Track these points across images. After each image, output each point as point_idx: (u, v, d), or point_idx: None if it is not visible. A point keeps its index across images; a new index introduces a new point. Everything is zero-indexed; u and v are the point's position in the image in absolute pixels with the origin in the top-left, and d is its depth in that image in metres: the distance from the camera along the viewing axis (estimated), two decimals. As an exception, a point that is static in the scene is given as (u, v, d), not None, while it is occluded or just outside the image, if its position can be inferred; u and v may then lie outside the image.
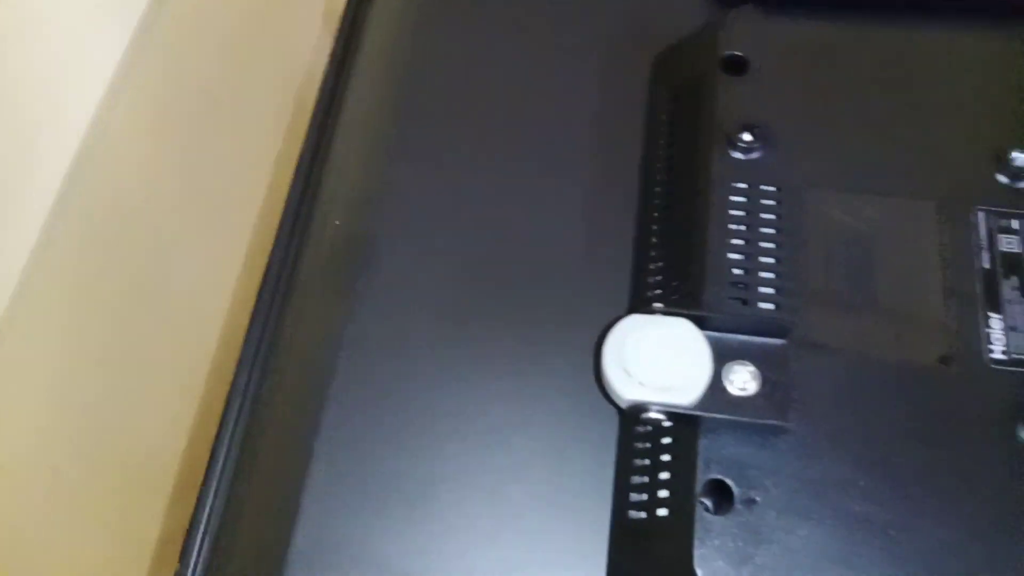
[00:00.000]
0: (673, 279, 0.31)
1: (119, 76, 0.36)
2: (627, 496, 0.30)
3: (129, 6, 0.38)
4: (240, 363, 0.37)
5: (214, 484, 0.35)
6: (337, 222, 0.38)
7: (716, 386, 0.28)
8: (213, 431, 0.36)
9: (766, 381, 0.29)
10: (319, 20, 0.56)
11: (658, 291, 0.31)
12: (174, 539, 0.37)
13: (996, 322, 0.30)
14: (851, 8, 0.38)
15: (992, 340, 0.30)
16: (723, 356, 0.29)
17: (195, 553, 0.34)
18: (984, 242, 0.32)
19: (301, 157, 0.41)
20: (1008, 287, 0.31)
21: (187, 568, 0.33)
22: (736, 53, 0.35)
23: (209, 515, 0.34)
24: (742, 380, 0.29)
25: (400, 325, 0.35)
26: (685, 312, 0.29)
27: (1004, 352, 0.30)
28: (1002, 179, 0.33)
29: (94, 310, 0.38)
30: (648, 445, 0.30)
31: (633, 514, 0.30)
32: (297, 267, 0.38)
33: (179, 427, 0.46)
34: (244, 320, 0.38)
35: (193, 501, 0.35)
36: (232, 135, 0.50)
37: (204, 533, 0.34)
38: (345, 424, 0.34)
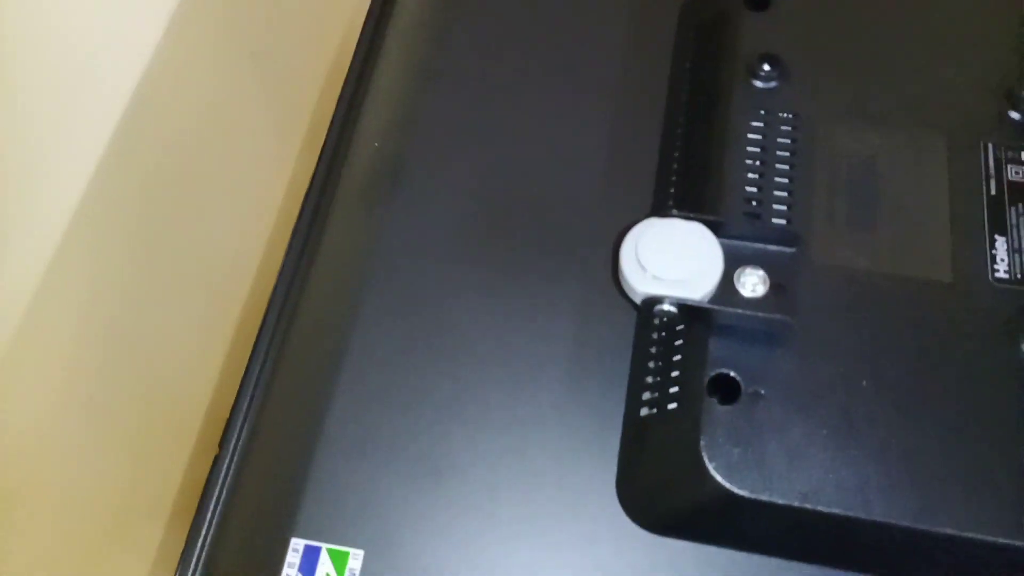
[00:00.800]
0: (692, 188, 0.33)
1: (167, 36, 0.38)
2: (640, 394, 0.32)
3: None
4: (281, 273, 0.39)
5: (239, 422, 0.37)
6: (376, 144, 0.40)
7: (727, 287, 0.30)
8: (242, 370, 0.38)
9: (775, 285, 0.30)
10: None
11: (677, 198, 0.33)
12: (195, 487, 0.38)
13: (1001, 244, 0.32)
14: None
15: (997, 260, 0.31)
16: (736, 261, 0.31)
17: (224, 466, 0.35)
18: (992, 171, 0.33)
19: (345, 85, 0.43)
20: (1015, 212, 0.32)
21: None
22: (761, -6, 0.36)
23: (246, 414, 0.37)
24: (752, 283, 0.30)
25: (431, 237, 0.37)
26: (701, 217, 0.31)
27: (1007, 272, 0.31)
28: (1013, 115, 0.34)
29: (132, 253, 0.40)
30: (661, 341, 0.32)
31: (644, 411, 0.32)
32: (337, 185, 0.40)
33: (209, 363, 0.48)
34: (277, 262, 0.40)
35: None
36: (272, 88, 0.52)
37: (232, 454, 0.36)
38: (371, 338, 0.36)
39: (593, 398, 0.34)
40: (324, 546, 0.32)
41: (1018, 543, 0.27)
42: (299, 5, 0.54)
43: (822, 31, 0.36)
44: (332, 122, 0.43)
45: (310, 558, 0.31)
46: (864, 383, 0.29)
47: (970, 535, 0.27)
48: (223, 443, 0.36)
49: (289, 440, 0.35)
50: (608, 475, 0.33)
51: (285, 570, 0.31)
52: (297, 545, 0.32)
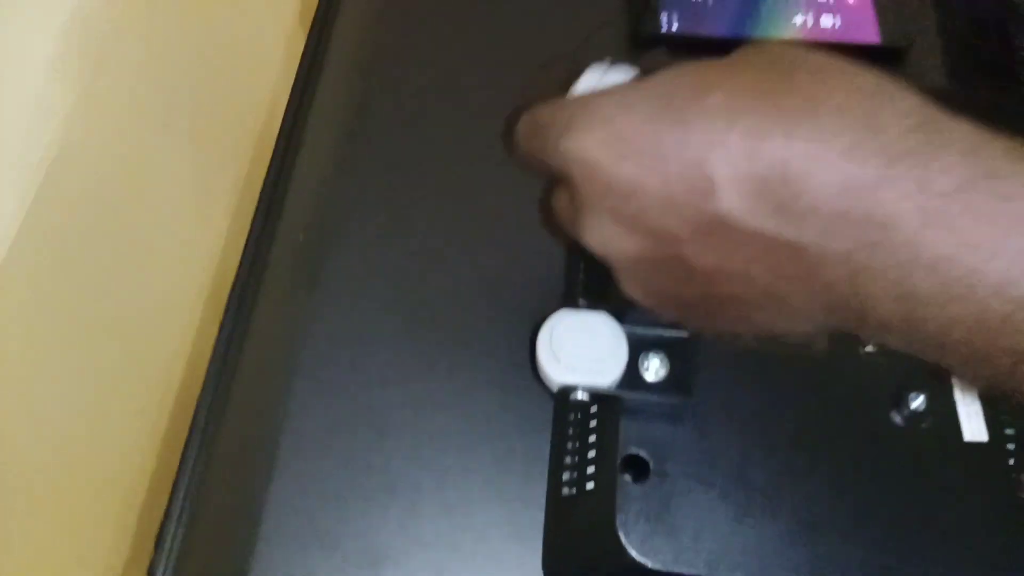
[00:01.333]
0: (596, 279, 0.36)
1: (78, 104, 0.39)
2: (560, 476, 0.35)
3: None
4: (211, 361, 0.40)
5: (186, 478, 0.38)
6: (300, 236, 0.42)
7: (632, 371, 0.33)
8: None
9: (674, 368, 0.33)
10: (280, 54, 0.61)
11: (584, 289, 0.36)
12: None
13: (870, 319, 0.36)
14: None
15: (866, 334, 0.35)
16: (639, 346, 0.34)
17: (168, 540, 0.37)
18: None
19: (266, 179, 0.45)
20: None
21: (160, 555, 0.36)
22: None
23: (181, 509, 0.38)
24: (654, 367, 0.33)
25: (355, 326, 0.39)
26: (606, 306, 0.34)
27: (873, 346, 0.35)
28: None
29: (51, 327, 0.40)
30: (577, 425, 0.34)
31: (565, 491, 0.34)
32: (263, 276, 0.42)
33: (151, 434, 0.48)
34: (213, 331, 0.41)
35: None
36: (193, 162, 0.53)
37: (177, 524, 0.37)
38: (307, 418, 0.38)
39: (517, 480, 0.36)
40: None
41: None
42: (215, 78, 0.56)
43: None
44: (256, 211, 0.44)
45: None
46: (757, 454, 0.33)
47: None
48: (157, 543, 0.37)
49: (225, 534, 0.36)
50: (534, 553, 0.35)
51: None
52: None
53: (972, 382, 0.23)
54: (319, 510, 0.36)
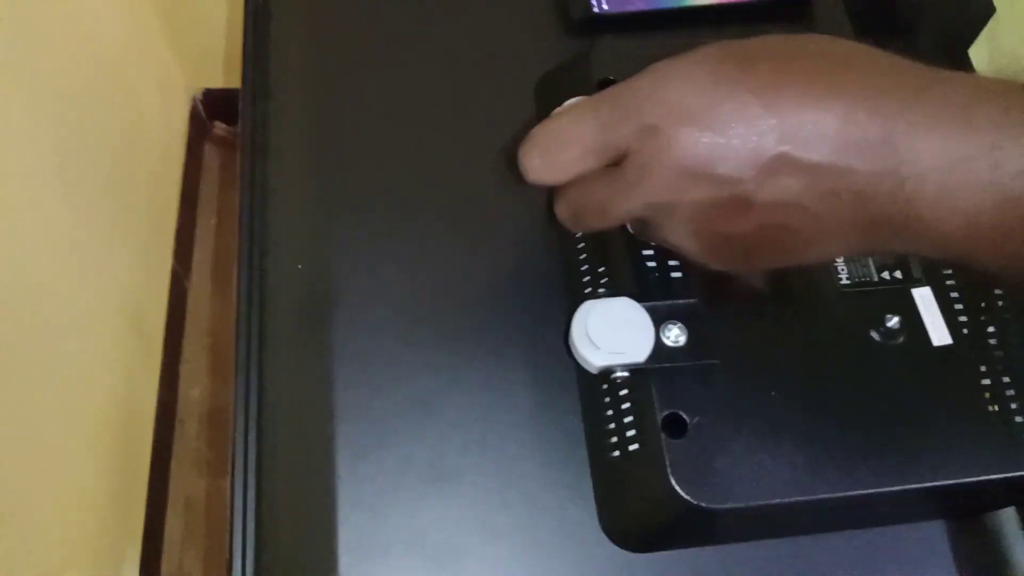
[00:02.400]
0: (604, 271, 0.39)
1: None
2: (602, 442, 0.39)
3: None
4: (235, 417, 0.41)
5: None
6: (300, 266, 0.43)
7: (658, 343, 0.37)
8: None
9: (691, 332, 0.38)
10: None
11: (593, 283, 0.40)
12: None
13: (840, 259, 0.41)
14: (683, 24, 0.48)
15: (839, 271, 0.40)
16: (657, 320, 0.38)
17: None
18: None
19: (241, 208, 0.45)
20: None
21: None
22: (609, 77, 0.43)
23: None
24: (674, 335, 0.37)
25: (379, 347, 0.41)
26: (622, 292, 0.37)
27: (848, 279, 0.40)
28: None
29: None
30: (612, 399, 0.38)
31: (610, 454, 0.38)
32: (265, 312, 0.43)
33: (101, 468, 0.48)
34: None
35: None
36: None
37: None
38: (353, 434, 0.40)
39: (557, 452, 0.40)
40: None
41: (900, 487, 0.36)
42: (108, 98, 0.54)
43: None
44: (239, 256, 0.44)
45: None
46: (772, 393, 0.37)
47: (873, 491, 0.36)
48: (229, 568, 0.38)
49: (298, 559, 0.38)
50: (588, 513, 0.39)
51: None
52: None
53: (990, 268, 0.28)
54: (387, 516, 0.38)
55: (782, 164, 0.27)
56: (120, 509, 0.53)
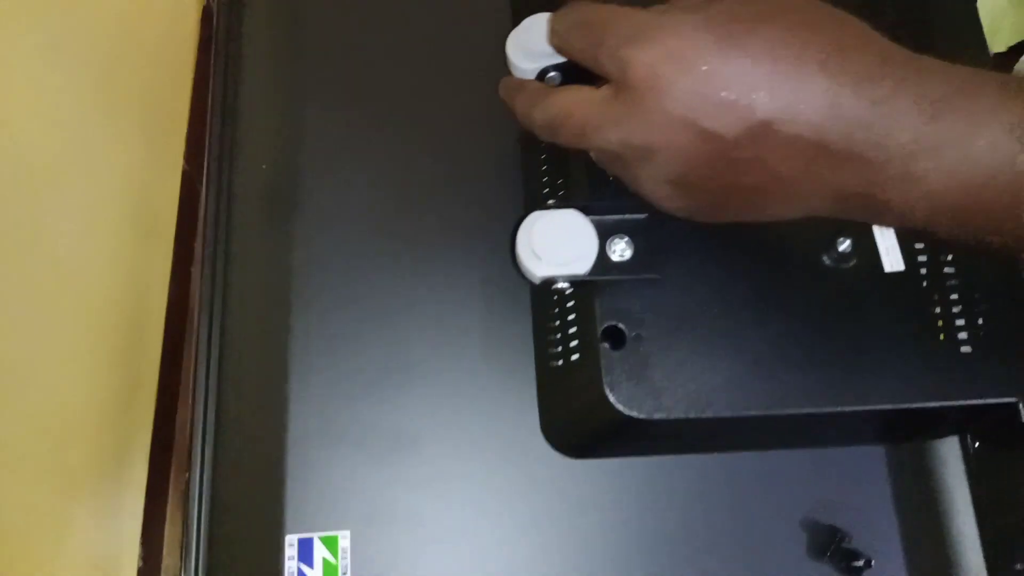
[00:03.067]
0: (559, 182, 0.39)
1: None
2: (546, 350, 0.39)
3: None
4: (200, 307, 0.42)
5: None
6: (264, 166, 0.43)
7: (602, 256, 0.37)
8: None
9: (638, 247, 0.38)
10: None
11: (548, 193, 0.40)
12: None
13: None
14: None
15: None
16: (604, 233, 0.38)
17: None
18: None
19: (211, 111, 0.46)
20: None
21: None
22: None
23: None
24: (620, 249, 0.37)
25: (340, 248, 0.42)
26: (572, 204, 0.37)
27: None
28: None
29: None
30: (557, 309, 0.39)
31: (553, 362, 0.39)
32: (232, 209, 0.44)
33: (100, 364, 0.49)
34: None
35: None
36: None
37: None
38: (313, 333, 0.41)
39: (506, 359, 0.41)
40: (315, 535, 0.37)
41: (836, 409, 0.36)
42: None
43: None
44: (208, 147, 0.45)
45: (305, 549, 0.37)
46: (715, 310, 0.38)
47: (808, 411, 0.36)
48: (190, 460, 0.40)
49: (255, 444, 0.40)
50: (532, 418, 0.40)
51: (286, 563, 0.37)
52: (292, 540, 0.37)
53: (952, 241, 0.30)
54: (344, 409, 0.40)
55: (767, 130, 0.29)
56: (130, 397, 0.55)
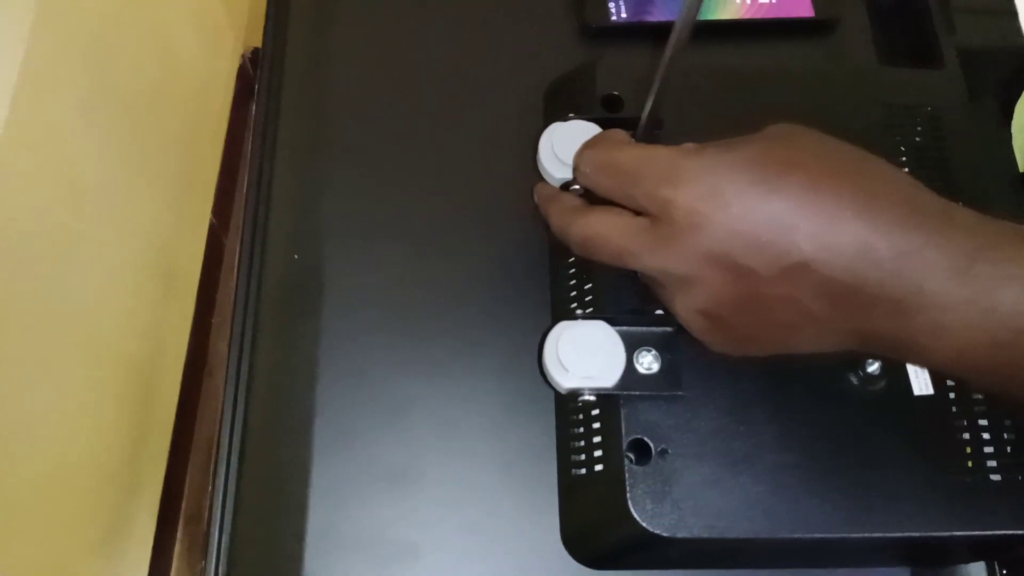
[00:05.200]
0: (588, 292, 0.40)
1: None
2: (569, 458, 0.39)
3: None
4: (225, 393, 0.43)
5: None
6: (296, 256, 0.44)
7: (629, 369, 0.37)
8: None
9: (664, 361, 0.38)
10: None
11: (576, 302, 0.40)
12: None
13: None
14: (701, 38, 0.47)
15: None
16: (632, 345, 0.38)
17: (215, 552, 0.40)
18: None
19: (247, 201, 0.46)
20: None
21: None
22: (613, 92, 0.43)
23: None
24: (647, 362, 0.37)
25: (364, 345, 0.42)
26: (600, 315, 0.38)
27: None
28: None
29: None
30: (582, 418, 0.38)
31: (575, 472, 0.39)
32: (261, 296, 0.44)
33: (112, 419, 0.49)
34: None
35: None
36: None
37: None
38: (329, 427, 0.41)
39: (528, 464, 0.41)
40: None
41: (860, 535, 0.36)
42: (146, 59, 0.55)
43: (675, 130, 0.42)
44: (242, 236, 0.46)
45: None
46: (739, 428, 0.37)
47: (832, 535, 0.36)
48: (205, 551, 0.40)
49: (268, 541, 0.40)
50: (551, 526, 0.40)
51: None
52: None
53: (978, 387, 0.32)
54: (358, 511, 0.40)
55: (801, 271, 0.29)
56: (140, 452, 0.55)
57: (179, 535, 0.70)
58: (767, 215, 0.29)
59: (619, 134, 0.37)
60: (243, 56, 0.78)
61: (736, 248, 0.30)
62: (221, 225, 0.78)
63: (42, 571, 0.42)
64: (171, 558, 0.68)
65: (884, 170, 0.31)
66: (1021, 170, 0.45)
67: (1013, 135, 0.46)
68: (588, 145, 0.36)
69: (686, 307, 0.33)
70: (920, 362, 0.31)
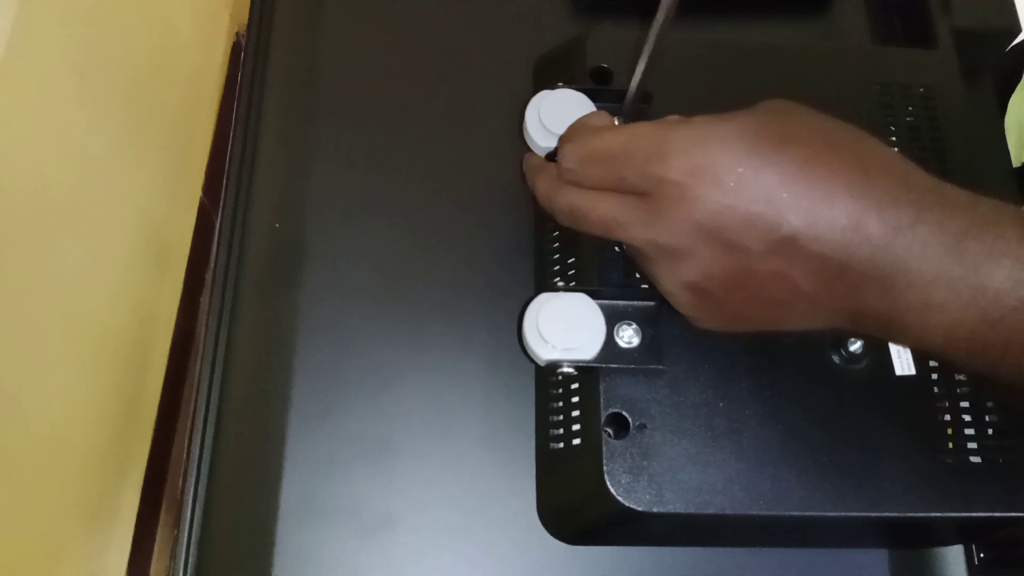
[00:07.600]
0: (570, 264, 0.39)
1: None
2: (548, 432, 0.39)
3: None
4: (202, 363, 0.42)
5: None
6: (277, 225, 0.43)
7: (609, 342, 0.37)
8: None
9: (645, 335, 0.37)
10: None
11: (559, 275, 0.39)
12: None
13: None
14: (693, 9, 0.46)
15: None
16: (613, 318, 0.37)
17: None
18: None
19: (229, 167, 0.46)
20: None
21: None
22: (602, 65, 0.42)
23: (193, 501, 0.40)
24: (628, 336, 0.37)
25: (344, 316, 0.42)
26: (582, 288, 0.37)
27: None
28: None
29: None
30: (561, 391, 0.38)
31: (553, 445, 0.38)
32: (242, 266, 0.44)
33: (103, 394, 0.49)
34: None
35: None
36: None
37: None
38: (307, 400, 0.41)
39: (506, 438, 0.40)
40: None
41: (836, 514, 0.35)
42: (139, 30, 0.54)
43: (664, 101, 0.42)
44: (224, 202, 0.45)
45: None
46: (720, 404, 0.37)
47: (808, 514, 0.35)
48: (176, 535, 0.40)
49: (245, 514, 0.40)
50: (529, 501, 0.40)
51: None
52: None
53: (967, 368, 0.31)
54: (336, 482, 0.39)
55: (790, 246, 0.29)
56: (129, 429, 0.55)
57: (162, 514, 0.69)
58: (760, 189, 0.29)
59: (597, 118, 0.36)
60: (238, 34, 0.77)
61: (727, 221, 0.29)
62: (212, 204, 0.77)
63: (27, 544, 0.42)
64: (155, 535, 0.67)
65: (877, 148, 0.30)
66: (1015, 164, 0.45)
67: (1007, 130, 0.45)
68: (567, 139, 0.35)
69: (673, 281, 0.32)
70: (910, 341, 0.30)
